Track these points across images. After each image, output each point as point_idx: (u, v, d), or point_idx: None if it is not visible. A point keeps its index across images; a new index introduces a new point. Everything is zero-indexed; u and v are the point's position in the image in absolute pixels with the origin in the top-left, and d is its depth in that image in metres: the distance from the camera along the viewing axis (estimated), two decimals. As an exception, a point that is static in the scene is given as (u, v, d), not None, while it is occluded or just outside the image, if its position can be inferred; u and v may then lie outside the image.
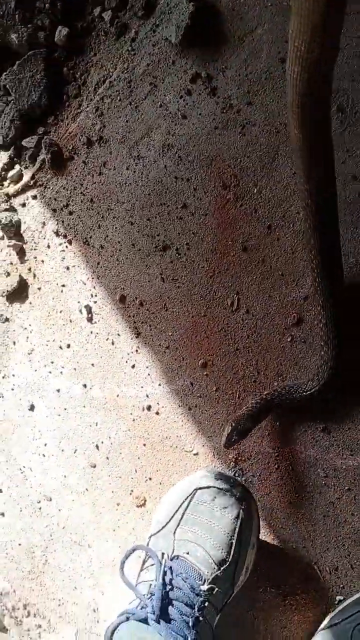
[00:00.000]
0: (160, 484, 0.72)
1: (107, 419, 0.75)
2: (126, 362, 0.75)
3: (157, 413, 0.73)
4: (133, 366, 0.74)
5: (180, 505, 0.63)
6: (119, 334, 0.75)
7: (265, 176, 0.71)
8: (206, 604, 0.57)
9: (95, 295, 0.76)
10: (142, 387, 0.74)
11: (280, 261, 0.71)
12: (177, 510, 0.63)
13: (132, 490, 0.73)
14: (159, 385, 0.73)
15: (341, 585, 0.67)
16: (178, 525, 0.62)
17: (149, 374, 0.74)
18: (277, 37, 0.72)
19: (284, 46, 0.72)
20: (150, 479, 0.73)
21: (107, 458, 0.75)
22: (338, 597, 0.67)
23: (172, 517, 0.63)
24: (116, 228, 0.76)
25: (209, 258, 0.73)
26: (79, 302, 0.77)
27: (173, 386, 0.73)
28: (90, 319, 0.76)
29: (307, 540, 0.68)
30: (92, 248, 0.77)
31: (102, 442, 0.75)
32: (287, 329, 0.69)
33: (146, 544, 0.64)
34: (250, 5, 0.73)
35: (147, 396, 0.74)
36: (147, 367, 0.74)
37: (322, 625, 0.64)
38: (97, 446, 0.75)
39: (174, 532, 0.62)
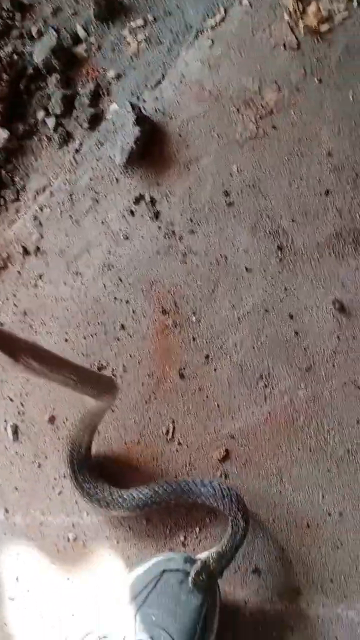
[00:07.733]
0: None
1: (28, 548, 0.70)
2: (52, 487, 0.71)
3: (84, 545, 0.69)
4: (60, 493, 0.70)
5: (145, 587, 0.60)
6: (46, 457, 0.71)
7: (204, 306, 0.71)
8: None
9: (23, 414, 0.72)
10: (68, 515, 0.70)
11: (217, 392, 0.70)
12: (141, 591, 0.60)
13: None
14: (87, 514, 0.70)
15: None
16: (141, 607, 0.59)
17: (76, 502, 0.70)
18: (222, 169, 0.73)
19: (229, 179, 0.73)
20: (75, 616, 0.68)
21: (28, 591, 0.69)
22: None
23: (137, 597, 0.60)
24: (49, 344, 0.72)
25: (145, 382, 0.71)
26: (5, 420, 0.72)
27: (101, 517, 0.70)
28: (15, 439, 0.72)
29: None
30: (22, 362, 0.73)
31: (22, 575, 0.70)
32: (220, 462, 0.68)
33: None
34: (197, 134, 0.74)
35: (73, 526, 0.70)
36: (74, 495, 0.70)
37: None
38: (17, 578, 0.70)
39: (136, 614, 0.59)
